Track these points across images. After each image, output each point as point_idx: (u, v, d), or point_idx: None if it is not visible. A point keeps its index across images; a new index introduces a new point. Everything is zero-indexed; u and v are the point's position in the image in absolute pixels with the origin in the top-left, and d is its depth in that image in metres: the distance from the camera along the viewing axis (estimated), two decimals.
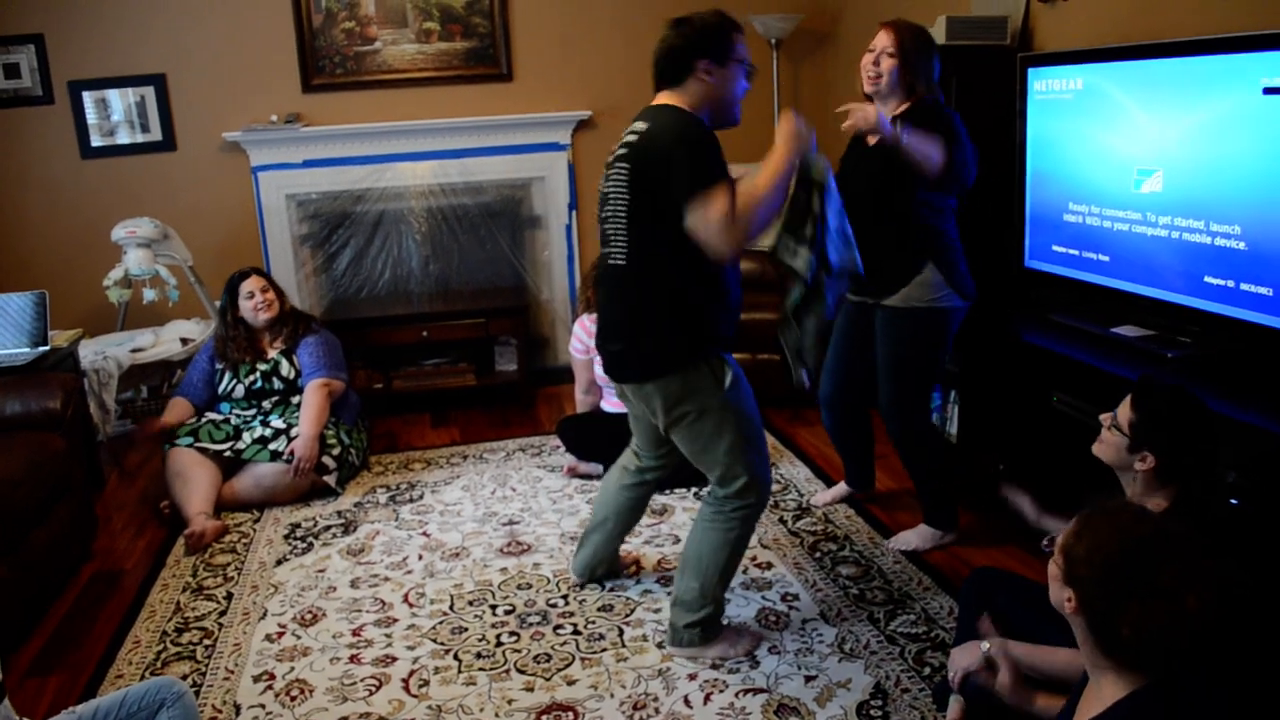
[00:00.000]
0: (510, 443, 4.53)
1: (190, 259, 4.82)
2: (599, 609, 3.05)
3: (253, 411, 4.08)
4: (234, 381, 4.10)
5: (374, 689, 2.68)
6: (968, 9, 4.06)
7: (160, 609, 3.18)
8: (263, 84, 5.07)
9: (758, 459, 2.65)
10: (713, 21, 2.49)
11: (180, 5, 4.94)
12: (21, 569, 3.02)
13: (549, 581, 3.22)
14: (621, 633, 2.91)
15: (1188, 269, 2.96)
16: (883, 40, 3.05)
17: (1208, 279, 2.89)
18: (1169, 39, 3.00)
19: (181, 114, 5.06)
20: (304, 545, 3.57)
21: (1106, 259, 3.28)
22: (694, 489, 3.82)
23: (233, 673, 2.79)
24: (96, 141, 5.01)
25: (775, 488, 3.88)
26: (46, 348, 4.06)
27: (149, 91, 5.00)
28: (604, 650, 2.82)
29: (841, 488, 3.73)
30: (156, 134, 5.05)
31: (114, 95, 4.99)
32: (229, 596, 3.24)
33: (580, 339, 4.02)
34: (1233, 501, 2.36)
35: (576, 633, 2.92)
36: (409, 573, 3.33)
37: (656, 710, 2.54)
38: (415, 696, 2.64)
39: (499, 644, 2.88)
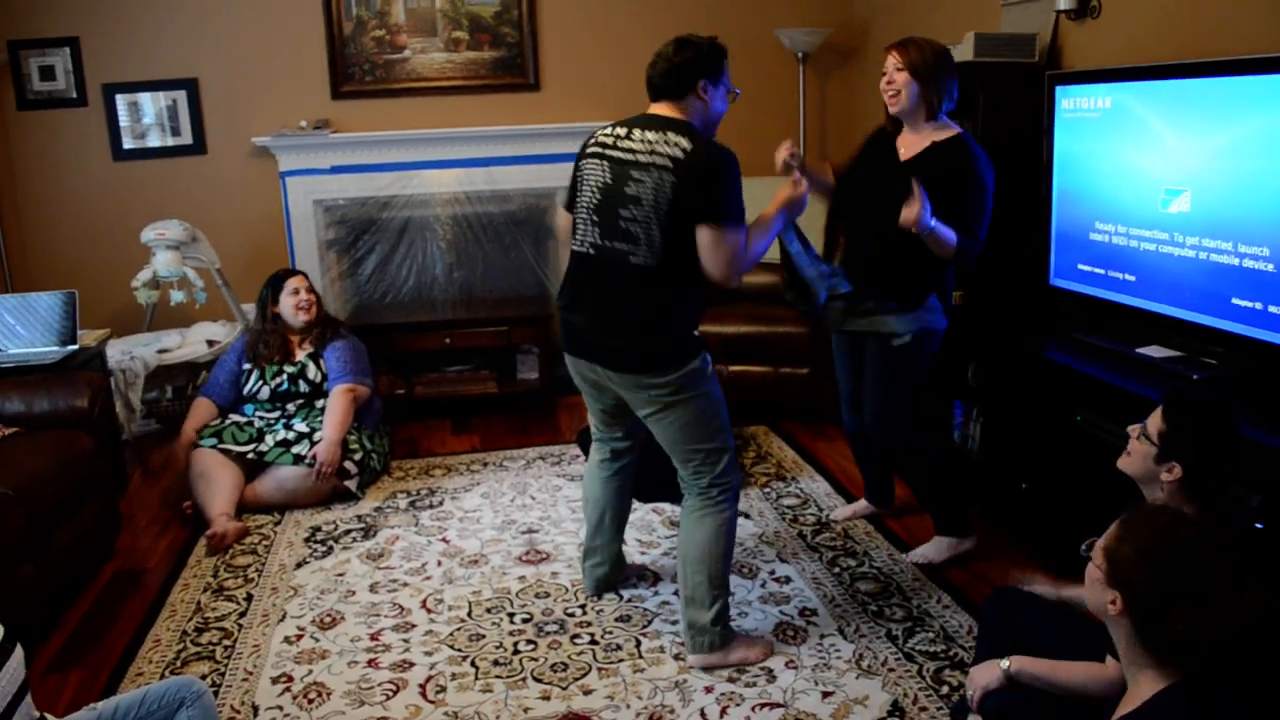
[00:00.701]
0: (530, 451, 4.54)
1: (218, 262, 4.87)
2: (616, 619, 3.05)
3: (276, 414, 4.11)
4: (260, 383, 4.13)
5: (391, 694, 2.69)
6: (996, 26, 4.05)
7: (181, 608, 3.20)
8: (293, 90, 5.12)
9: (729, 435, 2.80)
10: (710, 46, 2.69)
11: (213, 11, 5.00)
12: (46, 566, 3.05)
13: (567, 590, 3.23)
14: (639, 644, 2.91)
15: (1215, 290, 2.94)
16: (890, 62, 3.06)
17: (1235, 300, 2.87)
18: (1198, 59, 2.99)
19: (212, 118, 5.12)
20: (324, 549, 3.59)
21: (1133, 279, 3.26)
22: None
23: (251, 674, 2.81)
24: (128, 144, 5.08)
25: (794, 502, 3.87)
26: (75, 347, 4.11)
27: (181, 95, 5.06)
28: (621, 661, 2.82)
29: (861, 504, 3.72)
30: (187, 137, 5.11)
31: (146, 99, 5.05)
32: (249, 598, 3.26)
33: None
34: (1258, 525, 2.33)
35: (593, 642, 2.92)
36: (428, 578, 3.34)
37: None
38: (432, 702, 2.65)
39: (516, 652, 2.88)
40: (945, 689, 2.63)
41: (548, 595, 3.20)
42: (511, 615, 3.09)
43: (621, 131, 2.71)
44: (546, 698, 2.66)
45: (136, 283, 4.67)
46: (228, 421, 4.03)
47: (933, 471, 3.30)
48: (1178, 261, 3.06)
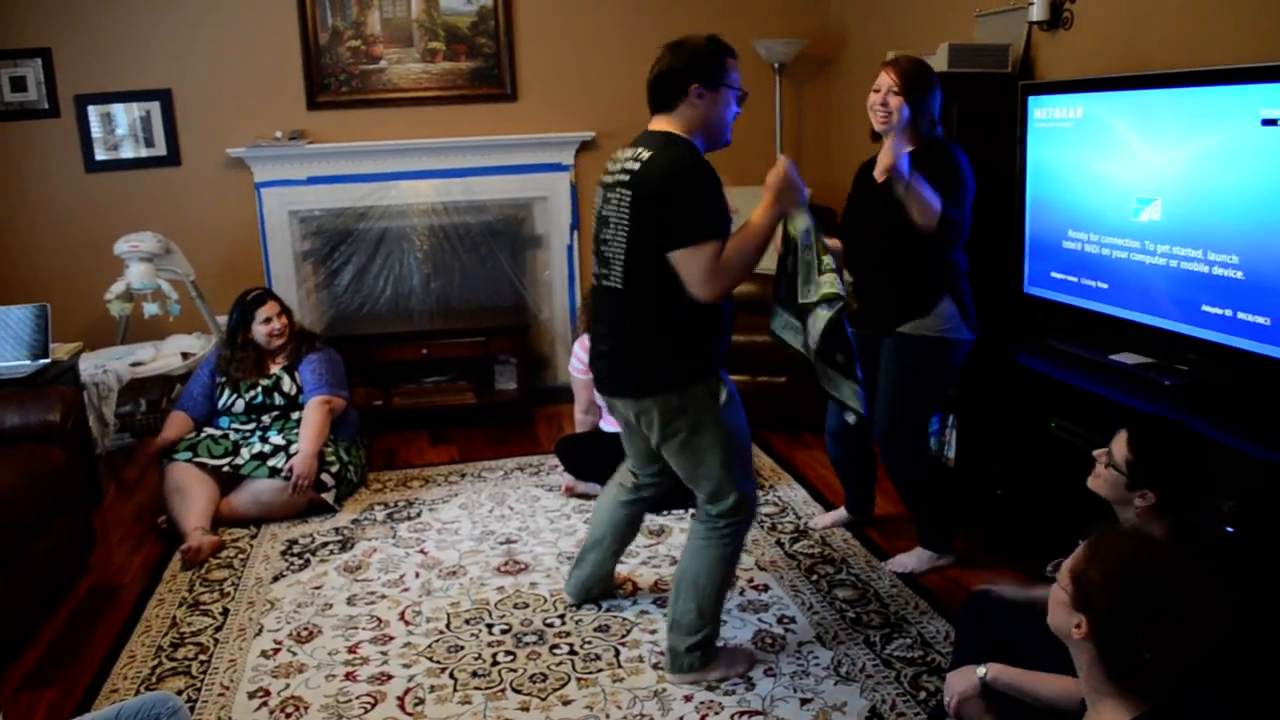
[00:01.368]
0: (509, 461, 4.53)
1: (192, 274, 4.84)
2: (595, 629, 3.04)
3: (252, 427, 4.09)
4: (234, 396, 4.10)
5: (369, 707, 2.68)
6: (970, 37, 4.09)
7: (156, 624, 3.17)
8: (267, 101, 5.09)
9: (744, 474, 2.69)
10: (705, 46, 2.51)
11: (187, 22, 4.97)
12: (18, 582, 3.02)
13: (546, 601, 3.22)
14: (618, 653, 2.90)
15: (1186, 297, 2.97)
16: (886, 80, 3.07)
17: (1206, 308, 2.91)
18: (1169, 69, 3.03)
19: (186, 129, 5.08)
20: (301, 562, 3.56)
21: (1105, 286, 3.29)
22: (690, 509, 3.81)
23: (228, 689, 2.79)
24: (101, 155, 5.04)
25: (772, 509, 3.88)
26: (47, 360, 4.06)
27: (154, 106, 5.02)
28: (600, 671, 2.82)
29: (840, 513, 3.73)
30: (161, 149, 5.08)
31: (119, 110, 5.01)
32: (225, 612, 3.23)
33: (580, 359, 4.03)
34: (1229, 529, 2.36)
35: (573, 653, 2.91)
36: (406, 590, 3.32)
37: None
38: (410, 715, 2.64)
39: (495, 663, 2.87)
40: (923, 694, 2.64)
41: (526, 606, 3.19)
42: (490, 626, 3.08)
43: (616, 154, 2.66)
44: (526, 709, 2.65)
45: (110, 295, 4.63)
46: (203, 435, 4.00)
47: (929, 487, 3.32)
48: (1149, 269, 3.10)
